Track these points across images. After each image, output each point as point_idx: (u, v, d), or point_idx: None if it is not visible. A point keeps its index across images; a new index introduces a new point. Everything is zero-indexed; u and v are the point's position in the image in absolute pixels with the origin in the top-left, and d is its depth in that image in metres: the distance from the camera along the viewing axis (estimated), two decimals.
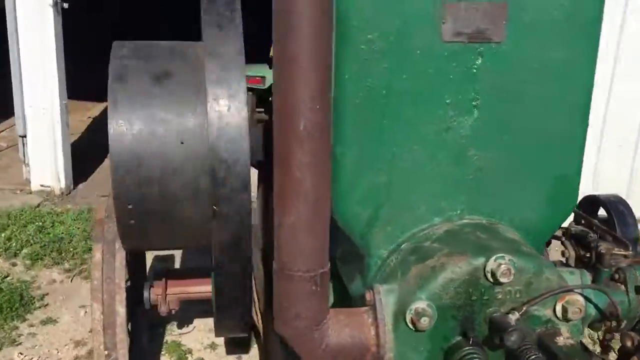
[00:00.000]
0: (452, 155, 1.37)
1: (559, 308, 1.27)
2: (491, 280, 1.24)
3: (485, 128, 1.36)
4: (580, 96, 1.39)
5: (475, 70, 1.32)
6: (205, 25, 1.74)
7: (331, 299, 1.91)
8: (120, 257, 2.81)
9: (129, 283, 3.09)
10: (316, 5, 1.07)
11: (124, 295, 2.74)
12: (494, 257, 1.23)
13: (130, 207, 2.05)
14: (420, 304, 1.23)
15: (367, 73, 1.28)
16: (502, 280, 1.22)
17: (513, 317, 1.23)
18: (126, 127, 1.97)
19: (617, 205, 1.59)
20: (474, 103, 1.34)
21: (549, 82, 1.35)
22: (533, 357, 1.17)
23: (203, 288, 3.49)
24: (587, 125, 1.41)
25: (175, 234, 2.20)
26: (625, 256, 1.40)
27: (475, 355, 1.21)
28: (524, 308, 1.24)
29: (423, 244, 1.36)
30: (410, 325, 1.24)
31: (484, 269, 1.24)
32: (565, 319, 1.28)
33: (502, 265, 1.21)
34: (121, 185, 1.95)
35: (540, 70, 1.34)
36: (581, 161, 1.43)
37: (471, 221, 1.39)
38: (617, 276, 1.40)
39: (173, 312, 3.36)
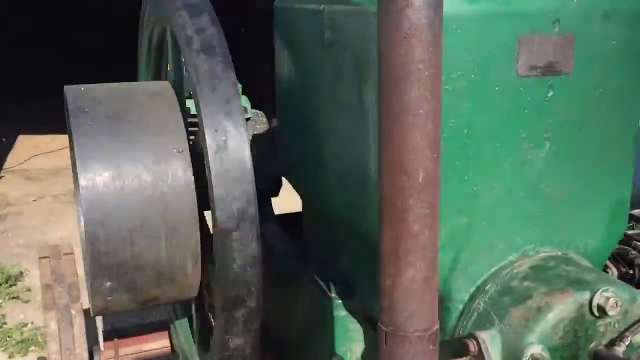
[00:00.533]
0: (527, 190, 1.35)
1: None
2: (597, 314, 1.23)
3: (555, 159, 1.35)
4: (632, 120, 1.43)
5: (546, 103, 1.31)
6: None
7: (360, 348, 1.82)
8: (79, 323, 2.58)
9: None
10: (432, 52, 1.01)
11: None
12: (599, 291, 1.21)
13: (107, 266, 1.87)
14: (536, 349, 1.19)
15: (450, 113, 1.23)
16: (610, 313, 1.21)
17: (620, 349, 1.23)
18: (100, 180, 1.80)
19: None
20: (545, 135, 1.33)
21: (608, 110, 1.38)
22: None
23: (159, 343, 3.24)
24: (636, 147, 1.45)
25: (158, 291, 2.03)
26: None
27: None
28: (630, 338, 1.23)
29: (511, 283, 1.32)
30: None
31: (590, 304, 1.22)
32: None
33: (611, 299, 1.20)
34: (96, 242, 1.77)
35: (601, 99, 1.36)
36: (632, 182, 1.48)
37: (548, 254, 1.38)
38: None
39: None
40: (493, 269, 1.36)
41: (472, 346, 1.25)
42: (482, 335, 1.25)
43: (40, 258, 2.83)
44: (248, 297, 1.73)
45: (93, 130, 1.89)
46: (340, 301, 1.79)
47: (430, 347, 1.13)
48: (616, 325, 1.26)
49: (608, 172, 1.43)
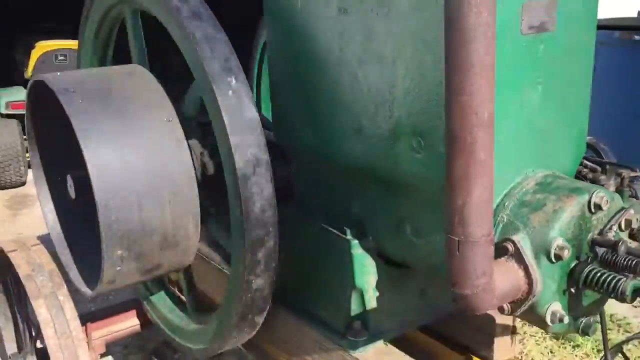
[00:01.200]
0: (526, 125, 1.72)
1: (622, 222, 1.72)
2: (593, 211, 1.64)
3: (545, 100, 1.73)
4: (589, 67, 1.85)
5: (539, 55, 1.68)
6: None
7: (374, 280, 2.12)
8: (70, 307, 2.66)
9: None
10: (492, 16, 1.32)
11: (86, 346, 2.61)
12: (594, 193, 1.62)
13: (118, 235, 2.04)
14: (559, 241, 1.57)
15: None
16: (604, 208, 1.62)
17: (611, 235, 1.65)
18: (110, 166, 1.97)
19: (599, 144, 2.12)
20: (538, 81, 1.70)
21: (579, 58, 1.78)
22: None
23: (129, 322, 3.35)
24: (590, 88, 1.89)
25: (163, 256, 2.22)
26: (637, 176, 1.92)
27: (600, 270, 1.59)
28: (615, 226, 1.66)
29: (525, 198, 1.69)
30: (554, 259, 1.58)
31: (589, 203, 1.63)
32: (623, 230, 1.74)
33: (603, 198, 1.62)
34: (108, 212, 1.93)
35: (575, 50, 1.76)
36: (589, 115, 1.91)
37: (543, 174, 1.77)
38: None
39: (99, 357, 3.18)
40: (507, 189, 1.73)
41: (510, 247, 1.61)
42: (516, 237, 1.61)
43: (9, 252, 2.82)
44: (267, 237, 1.98)
45: (87, 108, 2.02)
46: (356, 241, 2.08)
47: (492, 247, 1.47)
48: (603, 219, 1.68)
49: (577, 107, 1.85)
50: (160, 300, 2.91)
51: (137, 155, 2.01)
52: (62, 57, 6.94)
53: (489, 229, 1.45)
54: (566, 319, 1.65)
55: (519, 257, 1.60)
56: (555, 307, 1.63)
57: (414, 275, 2.23)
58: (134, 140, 2.02)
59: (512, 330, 2.43)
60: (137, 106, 2.09)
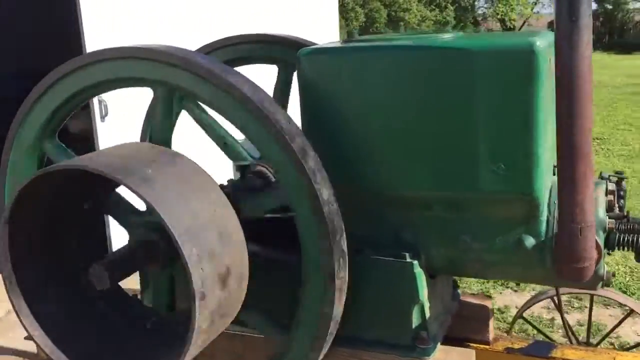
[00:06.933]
0: (552, 141, 2.36)
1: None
2: (607, 195, 2.35)
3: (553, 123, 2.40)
4: None
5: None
6: None
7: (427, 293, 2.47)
8: None
9: None
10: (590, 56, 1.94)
11: None
12: (605, 183, 2.34)
13: None
14: (609, 219, 2.24)
15: None
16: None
17: (615, 210, 2.38)
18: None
19: None
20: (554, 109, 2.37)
21: None
22: None
23: None
24: None
25: None
26: None
27: (626, 235, 2.30)
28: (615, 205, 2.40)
29: None
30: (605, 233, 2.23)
31: (606, 189, 2.34)
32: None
33: (609, 184, 2.35)
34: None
35: None
36: None
37: None
38: None
39: None
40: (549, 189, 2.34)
41: None
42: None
43: None
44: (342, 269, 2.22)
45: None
46: (416, 261, 2.44)
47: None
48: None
49: None
50: None
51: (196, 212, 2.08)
52: None
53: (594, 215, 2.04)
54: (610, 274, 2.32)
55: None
56: (606, 268, 2.28)
57: (437, 285, 2.67)
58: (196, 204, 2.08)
59: (492, 314, 3.03)
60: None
